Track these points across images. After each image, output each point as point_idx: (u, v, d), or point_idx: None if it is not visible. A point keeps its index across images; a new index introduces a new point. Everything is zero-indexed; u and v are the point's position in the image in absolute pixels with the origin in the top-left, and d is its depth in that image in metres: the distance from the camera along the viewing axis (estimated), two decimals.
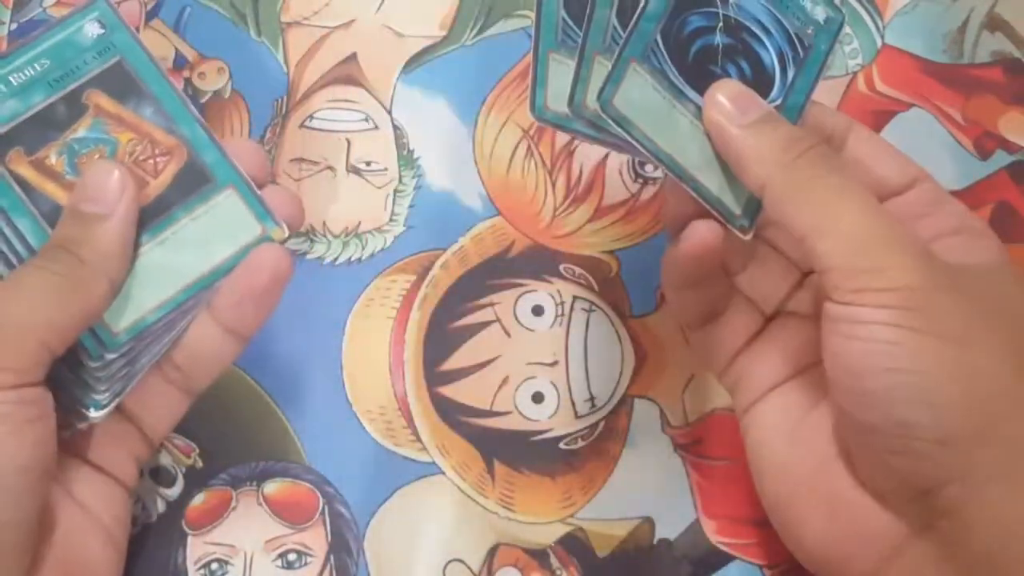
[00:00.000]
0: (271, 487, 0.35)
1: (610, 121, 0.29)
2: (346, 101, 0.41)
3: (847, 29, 0.42)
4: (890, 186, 0.30)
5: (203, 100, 0.41)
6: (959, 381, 0.26)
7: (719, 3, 0.31)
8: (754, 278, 0.32)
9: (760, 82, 0.31)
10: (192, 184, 0.29)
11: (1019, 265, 0.37)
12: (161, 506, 0.35)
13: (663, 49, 0.31)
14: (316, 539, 0.34)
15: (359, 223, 0.39)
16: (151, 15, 0.43)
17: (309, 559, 0.34)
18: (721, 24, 0.31)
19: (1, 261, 0.28)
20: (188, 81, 0.41)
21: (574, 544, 0.34)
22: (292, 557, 0.34)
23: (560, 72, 0.31)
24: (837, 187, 0.27)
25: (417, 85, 0.41)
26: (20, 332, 0.26)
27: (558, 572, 0.34)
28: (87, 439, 0.29)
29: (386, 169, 0.40)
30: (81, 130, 0.29)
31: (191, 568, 0.34)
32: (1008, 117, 0.40)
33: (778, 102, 0.31)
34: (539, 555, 0.34)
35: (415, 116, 0.41)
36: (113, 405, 0.28)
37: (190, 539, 0.34)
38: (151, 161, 0.29)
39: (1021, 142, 0.40)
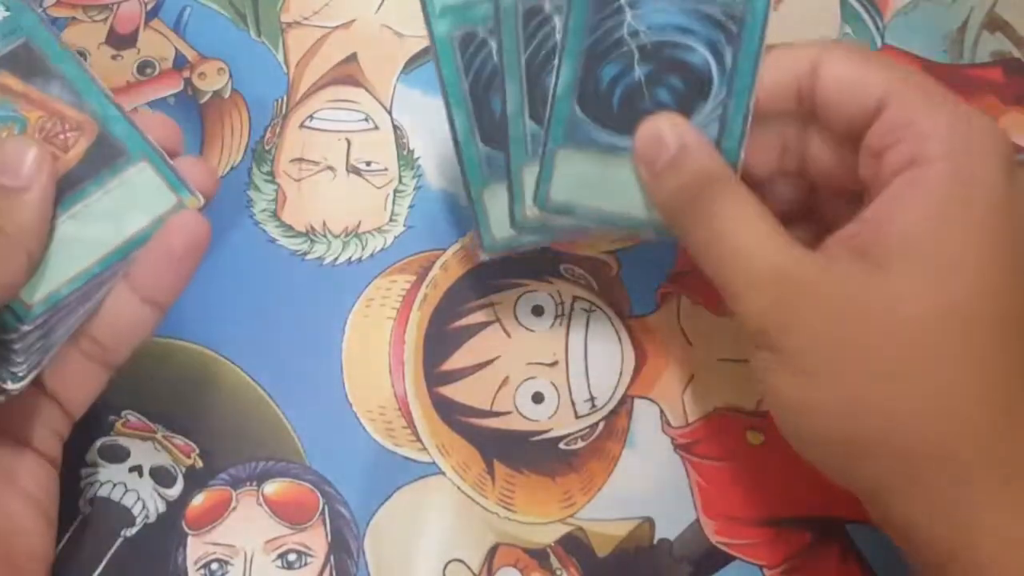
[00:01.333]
0: (271, 487, 0.35)
1: (553, 215, 0.31)
2: (346, 101, 0.41)
3: (847, 28, 0.42)
4: (859, 120, 0.28)
5: (203, 100, 0.41)
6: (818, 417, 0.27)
7: (628, 38, 0.30)
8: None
9: (695, 89, 0.30)
10: (104, 158, 0.30)
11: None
12: (161, 506, 0.35)
13: (585, 118, 0.31)
14: (316, 539, 0.34)
15: (359, 223, 0.39)
16: (151, 15, 0.43)
17: (309, 559, 0.34)
18: (637, 57, 0.31)
19: None
20: (188, 81, 0.41)
21: (574, 544, 0.34)
22: (292, 557, 0.34)
23: (497, 204, 0.32)
24: (710, 236, 0.29)
25: (417, 85, 0.41)
26: None
27: (558, 572, 0.34)
28: (9, 414, 0.30)
29: (386, 169, 0.40)
30: None
31: (191, 568, 0.34)
32: (1008, 117, 0.40)
33: (722, 96, 0.30)
34: (539, 555, 0.34)
35: (415, 116, 0.41)
36: (31, 377, 0.28)
37: (190, 539, 0.34)
38: (61, 136, 0.29)
39: (1021, 142, 0.40)
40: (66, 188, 0.29)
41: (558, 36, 0.31)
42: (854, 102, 0.28)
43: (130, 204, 0.29)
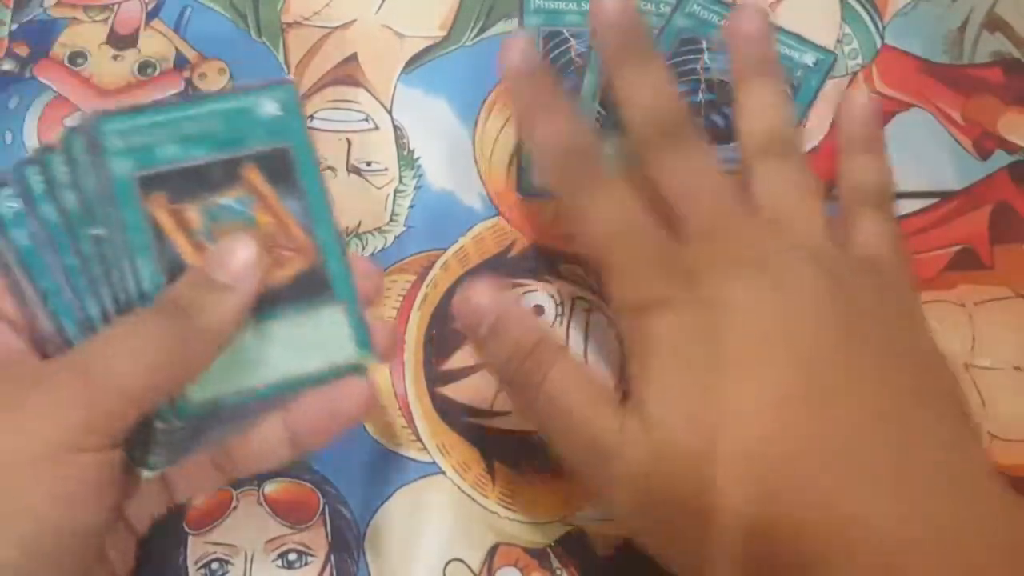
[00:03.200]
0: (271, 487, 0.35)
1: None
2: (346, 101, 0.41)
3: (847, 29, 0.42)
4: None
5: None
6: None
7: (700, 70, 0.39)
8: None
9: None
10: (309, 289, 0.29)
11: (1019, 265, 0.38)
12: None
13: None
14: (316, 539, 0.34)
15: (359, 223, 0.39)
16: (151, 15, 0.43)
17: (309, 559, 0.34)
18: (703, 86, 0.39)
19: (109, 295, 0.27)
20: (189, 81, 0.41)
21: (574, 544, 0.34)
22: (292, 557, 0.34)
23: None
24: (540, 408, 0.29)
25: (417, 85, 0.41)
26: (120, 392, 0.25)
27: (558, 572, 0.34)
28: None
29: (386, 169, 0.40)
30: (227, 199, 0.28)
31: (191, 568, 0.34)
32: (1008, 117, 0.40)
33: None
34: (539, 555, 0.34)
35: (415, 116, 0.41)
36: (162, 471, 0.28)
37: (190, 539, 0.34)
38: (280, 252, 0.28)
39: (1021, 142, 0.40)
40: (264, 303, 0.28)
41: None
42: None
43: (314, 343, 0.28)
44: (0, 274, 0.28)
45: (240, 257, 0.27)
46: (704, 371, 0.27)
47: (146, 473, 0.28)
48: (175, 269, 0.27)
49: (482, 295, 0.29)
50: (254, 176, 0.28)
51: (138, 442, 0.27)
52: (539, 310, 0.37)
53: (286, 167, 0.29)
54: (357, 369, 0.29)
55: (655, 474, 0.27)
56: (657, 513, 0.27)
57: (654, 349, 0.27)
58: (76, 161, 0.27)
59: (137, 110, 0.27)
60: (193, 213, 0.28)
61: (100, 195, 0.27)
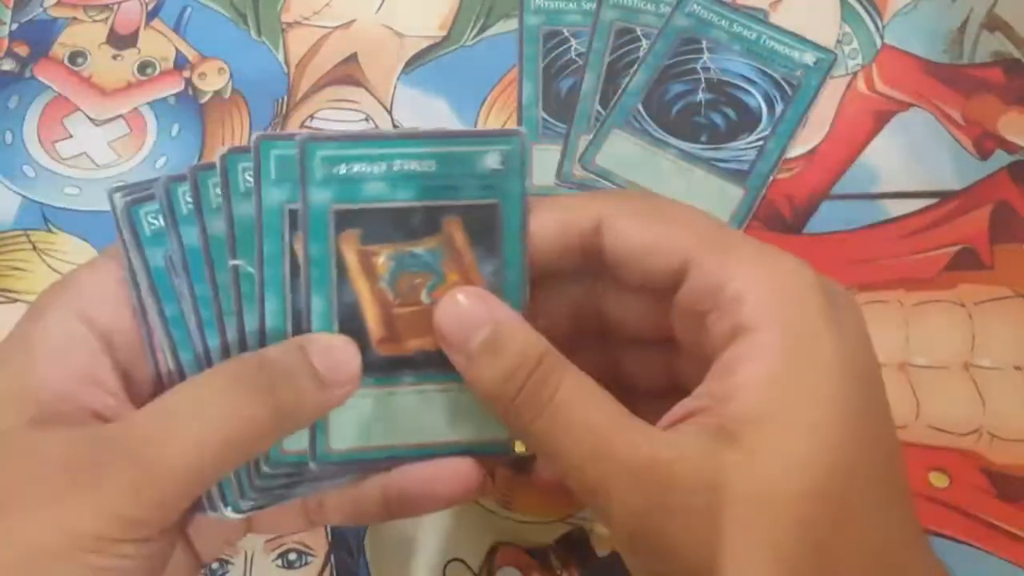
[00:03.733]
0: None
1: (593, 176, 0.38)
2: (346, 101, 0.41)
3: (847, 28, 0.42)
4: (661, 282, 0.26)
5: (203, 100, 0.41)
6: None
7: (700, 71, 0.40)
8: None
9: (746, 121, 0.39)
10: None
11: (1019, 265, 0.38)
12: None
13: (645, 114, 0.39)
14: (316, 539, 0.34)
15: None
16: (152, 15, 0.43)
17: (309, 559, 0.34)
18: (703, 85, 0.40)
19: (235, 331, 0.26)
20: (188, 81, 0.41)
21: (574, 544, 0.34)
22: (292, 557, 0.34)
23: (541, 157, 0.39)
24: (548, 427, 0.24)
25: (417, 85, 0.41)
26: (174, 479, 0.23)
27: (558, 572, 0.34)
28: (203, 525, 0.27)
29: None
30: (421, 248, 0.26)
31: None
32: (1008, 117, 0.40)
33: (767, 132, 0.39)
34: (539, 555, 0.34)
35: (415, 116, 0.41)
36: (248, 515, 0.26)
37: None
38: None
39: (1021, 142, 0.40)
40: (430, 363, 0.26)
41: (641, 52, 0.41)
42: (652, 266, 0.26)
43: (469, 415, 0.27)
44: (129, 289, 0.26)
45: (351, 366, 0.25)
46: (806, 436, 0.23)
47: (229, 514, 0.26)
48: (346, 315, 0.25)
49: (474, 302, 0.25)
50: (455, 230, 0.26)
51: (232, 482, 0.26)
52: None
53: (490, 226, 0.26)
54: (498, 449, 0.27)
55: (722, 508, 0.23)
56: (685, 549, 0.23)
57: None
58: (233, 186, 0.25)
59: (350, 138, 0.25)
60: (382, 258, 0.26)
61: (252, 224, 0.25)
